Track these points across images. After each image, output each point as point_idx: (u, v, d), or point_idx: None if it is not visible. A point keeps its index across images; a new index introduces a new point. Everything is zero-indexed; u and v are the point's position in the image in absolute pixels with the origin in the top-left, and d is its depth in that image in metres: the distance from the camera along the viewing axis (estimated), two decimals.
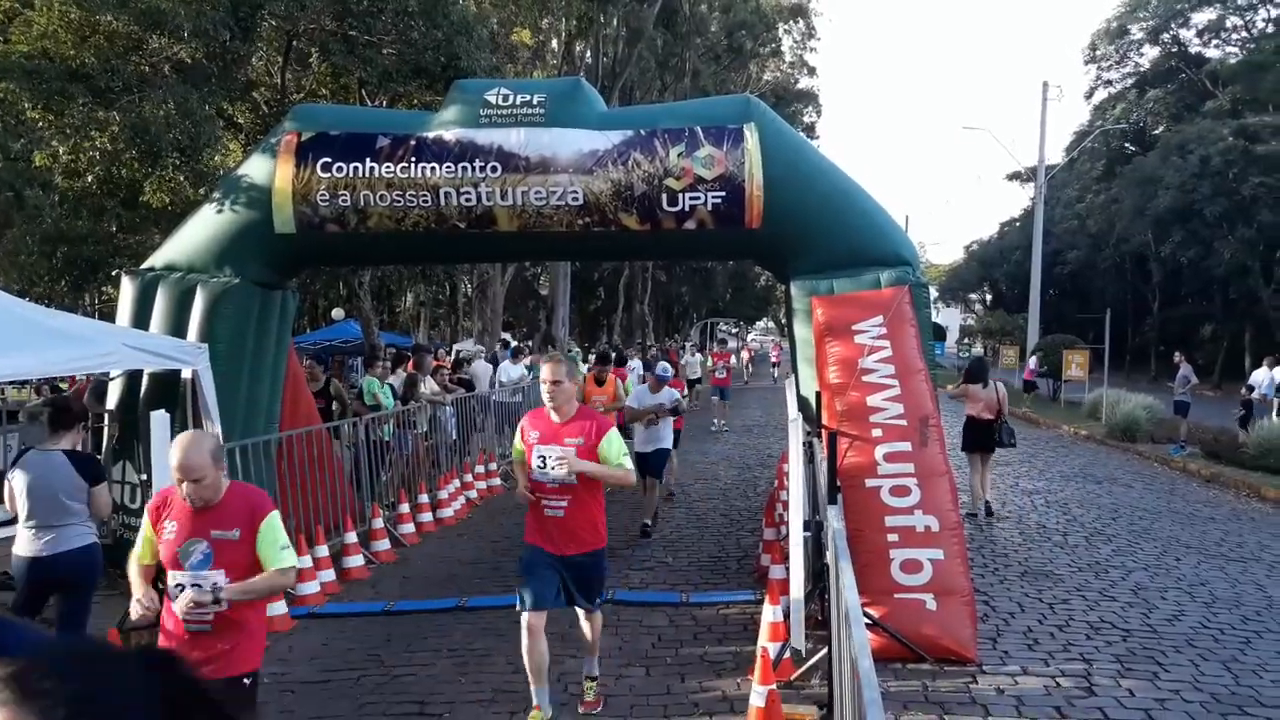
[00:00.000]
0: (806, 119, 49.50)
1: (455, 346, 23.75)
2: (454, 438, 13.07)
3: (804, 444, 6.46)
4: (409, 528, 10.09)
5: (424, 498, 10.79)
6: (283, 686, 6.00)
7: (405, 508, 10.22)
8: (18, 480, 5.51)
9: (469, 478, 12.32)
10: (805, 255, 8.11)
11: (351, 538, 8.85)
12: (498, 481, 13.15)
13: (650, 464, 10.40)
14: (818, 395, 7.18)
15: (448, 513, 11.06)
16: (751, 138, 8.10)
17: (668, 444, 10.74)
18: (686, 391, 19.46)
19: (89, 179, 11.25)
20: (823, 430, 6.73)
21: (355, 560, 8.73)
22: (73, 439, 5.74)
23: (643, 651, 6.58)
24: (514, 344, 21.52)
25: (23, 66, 9.56)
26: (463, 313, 39.88)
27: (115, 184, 11.72)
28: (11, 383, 13.65)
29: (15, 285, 13.94)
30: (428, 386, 12.35)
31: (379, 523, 9.44)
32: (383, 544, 9.35)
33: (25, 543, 5.49)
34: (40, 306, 7.16)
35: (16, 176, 10.90)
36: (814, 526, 6.39)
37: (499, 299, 26.58)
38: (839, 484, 6.09)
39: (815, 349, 7.59)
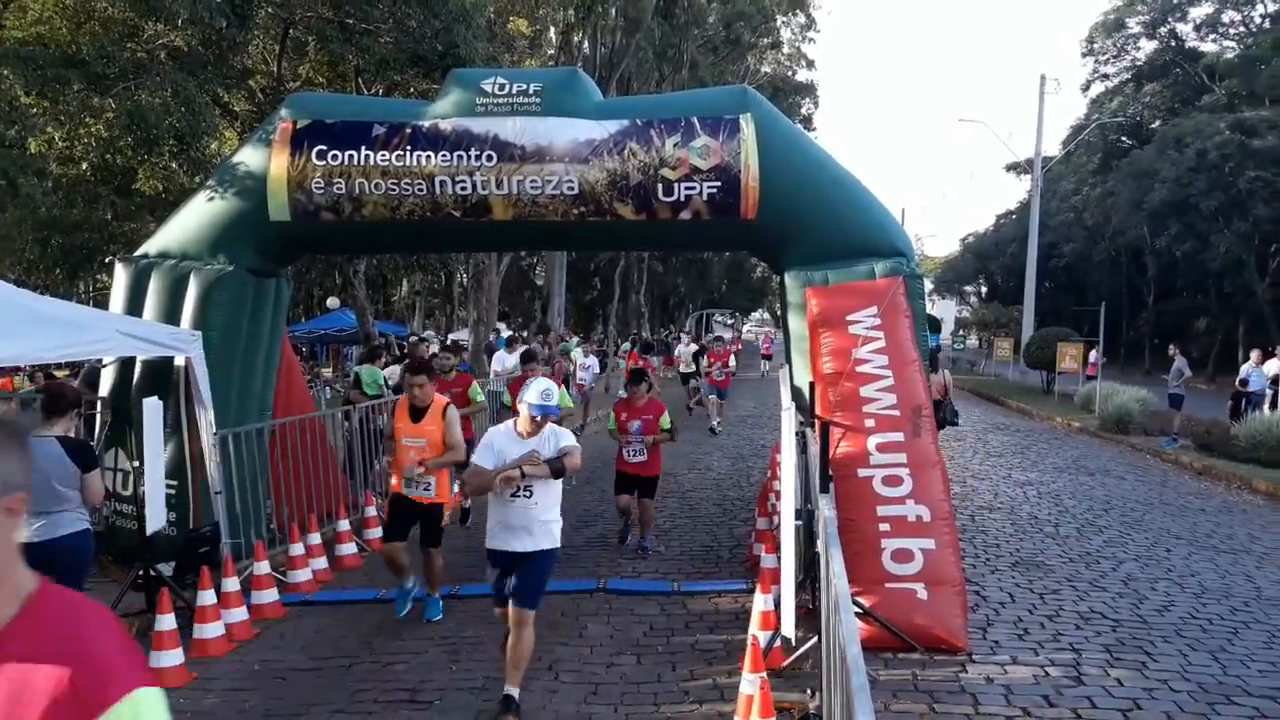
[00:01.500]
0: (804, 111, 49.48)
1: (419, 335, 23.62)
2: None
3: (797, 434, 6.47)
4: None
5: None
6: (275, 674, 6.02)
7: None
8: None
9: None
10: (800, 246, 8.12)
11: (344, 525, 8.88)
12: None
13: (510, 573, 5.40)
14: (811, 385, 7.19)
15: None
16: (748, 128, 8.10)
17: (551, 542, 5.46)
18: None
19: (84, 166, 11.24)
20: (815, 420, 6.74)
21: (348, 548, 8.75)
22: (65, 425, 5.74)
23: (634, 640, 6.60)
24: (507, 332, 21.46)
25: (17, 53, 9.54)
26: (458, 302, 39.86)
27: (110, 171, 11.70)
28: (3, 369, 13.63)
29: (10, 273, 13.92)
30: None
31: (372, 510, 9.45)
32: (375, 532, 9.34)
33: None
34: (33, 293, 7.14)
35: (10, 164, 10.86)
36: (806, 515, 6.41)
37: (494, 289, 26.55)
38: (831, 474, 6.11)
39: (809, 339, 7.61)
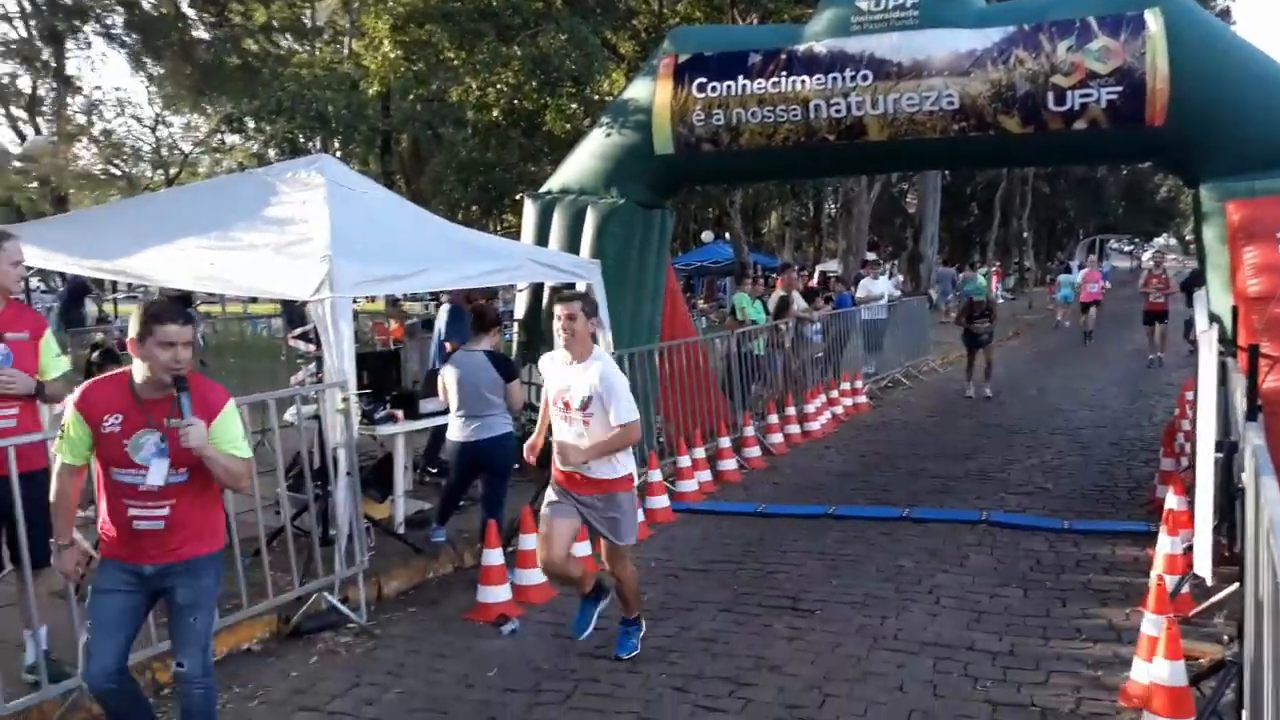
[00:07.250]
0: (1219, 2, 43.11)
1: (789, 263, 23.73)
2: (820, 355, 13.17)
3: (1216, 364, 5.81)
4: (777, 438, 10.39)
5: (791, 410, 11.03)
6: (668, 571, 6.52)
7: (774, 419, 10.53)
8: (449, 375, 6.38)
9: (835, 394, 12.41)
10: (1220, 154, 7.24)
11: (725, 442, 9.31)
12: (863, 399, 13.14)
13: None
14: (1234, 310, 6.41)
15: (814, 426, 11.24)
16: (1155, 24, 7.32)
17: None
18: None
19: (495, 112, 12.48)
20: (1238, 349, 6.00)
21: (729, 464, 9.18)
22: (492, 340, 6.53)
23: (1020, 573, 6.36)
24: (871, 257, 21.09)
25: (441, 9, 10.76)
26: (826, 233, 39.67)
27: (517, 115, 12.91)
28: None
29: (438, 211, 15.91)
30: (797, 304, 12.53)
31: (750, 431, 9.82)
32: (753, 451, 9.73)
33: (457, 429, 6.36)
34: (462, 227, 8.16)
35: (433, 115, 12.30)
36: (1227, 448, 5.76)
37: (864, 217, 26.11)
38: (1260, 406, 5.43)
39: (1230, 255, 6.78)
